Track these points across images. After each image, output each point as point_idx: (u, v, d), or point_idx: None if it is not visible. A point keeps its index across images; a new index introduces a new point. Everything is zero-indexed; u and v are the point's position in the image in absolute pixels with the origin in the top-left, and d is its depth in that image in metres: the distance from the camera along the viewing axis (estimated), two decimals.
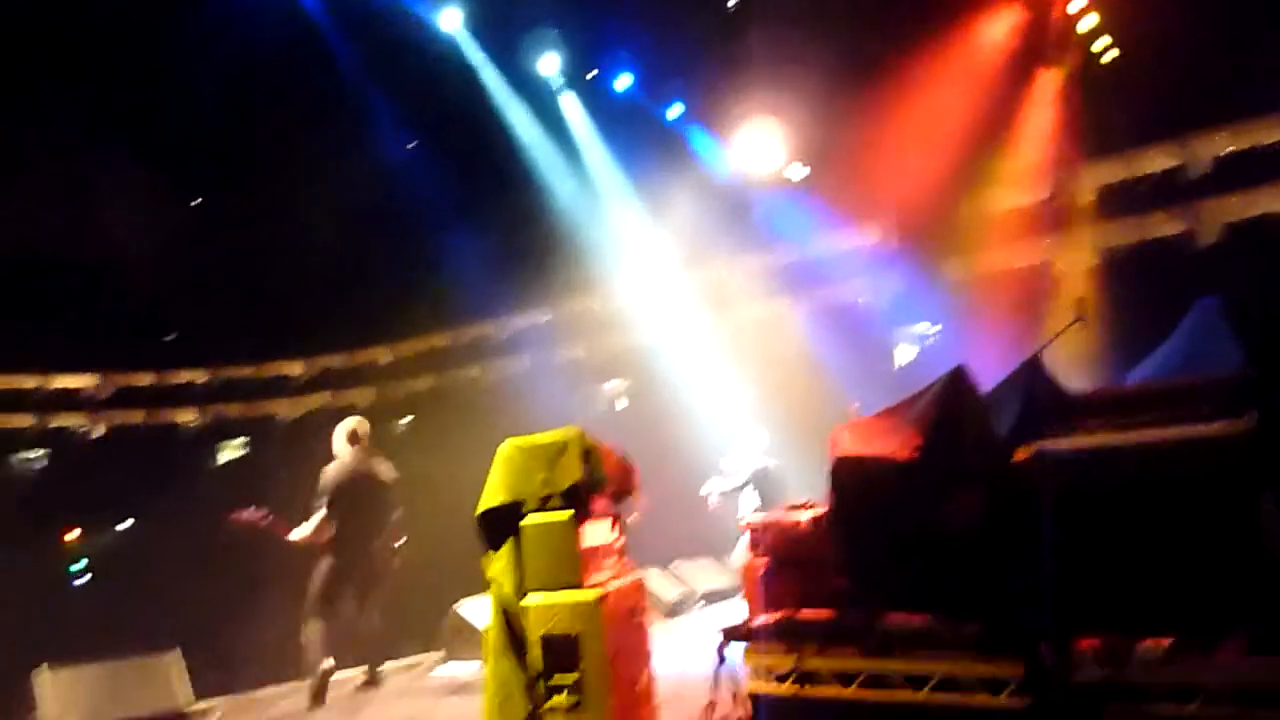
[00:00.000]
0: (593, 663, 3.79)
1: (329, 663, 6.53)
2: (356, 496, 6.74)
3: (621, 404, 13.71)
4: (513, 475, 4.01)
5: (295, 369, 19.54)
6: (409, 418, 13.38)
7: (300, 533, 6.63)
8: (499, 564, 3.94)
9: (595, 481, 4.06)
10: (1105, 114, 11.22)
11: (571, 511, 3.96)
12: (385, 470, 7.01)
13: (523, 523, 3.96)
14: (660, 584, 9.21)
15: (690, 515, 11.26)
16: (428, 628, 8.07)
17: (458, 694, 6.71)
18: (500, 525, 3.98)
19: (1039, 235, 12.15)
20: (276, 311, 16.08)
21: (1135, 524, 3.86)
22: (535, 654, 3.83)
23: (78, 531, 13.43)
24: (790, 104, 11.73)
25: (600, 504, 4.25)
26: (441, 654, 7.77)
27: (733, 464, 9.48)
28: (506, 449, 4.07)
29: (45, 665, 5.63)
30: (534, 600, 3.88)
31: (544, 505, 3.96)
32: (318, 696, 6.48)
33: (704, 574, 10.25)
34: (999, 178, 11.77)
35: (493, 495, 4.00)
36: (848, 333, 11.99)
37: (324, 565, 6.67)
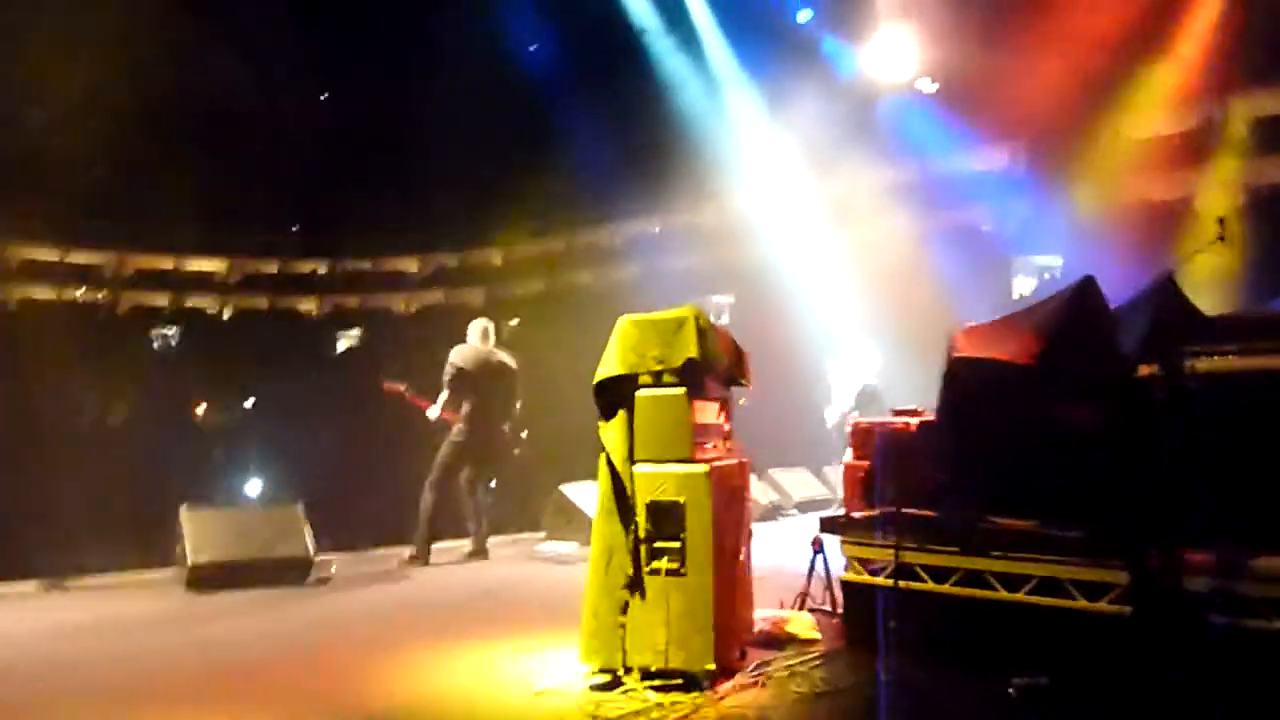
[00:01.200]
0: (696, 531, 3.90)
1: (436, 528, 7.10)
2: (486, 380, 7.28)
3: (726, 317, 13.72)
4: (628, 349, 4.10)
5: (411, 265, 20.15)
6: (516, 320, 13.71)
7: (435, 409, 7.26)
8: (611, 432, 4.06)
9: (709, 361, 4.12)
10: (1269, 37, 10.43)
11: (684, 389, 4.03)
12: (511, 362, 7.54)
13: (637, 394, 4.05)
14: (756, 489, 9.34)
15: (787, 427, 11.37)
16: (532, 512, 8.41)
17: (559, 565, 7.04)
18: (614, 396, 4.08)
19: (1182, 168, 11.50)
20: (396, 209, 16.59)
21: (1256, 445, 3.76)
22: (641, 519, 3.96)
23: (206, 406, 14.32)
24: (925, 11, 11.31)
25: (712, 384, 4.32)
26: (543, 534, 8.09)
27: (842, 379, 9.57)
28: (624, 323, 4.16)
29: (184, 505, 6.12)
30: (643, 469, 4.00)
31: (658, 380, 4.05)
32: (419, 557, 7.01)
33: (800, 483, 10.37)
34: (1143, 102, 11.14)
35: (609, 366, 4.10)
36: (968, 258, 11.68)
37: (452, 441, 7.23)
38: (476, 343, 7.42)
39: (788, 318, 12.00)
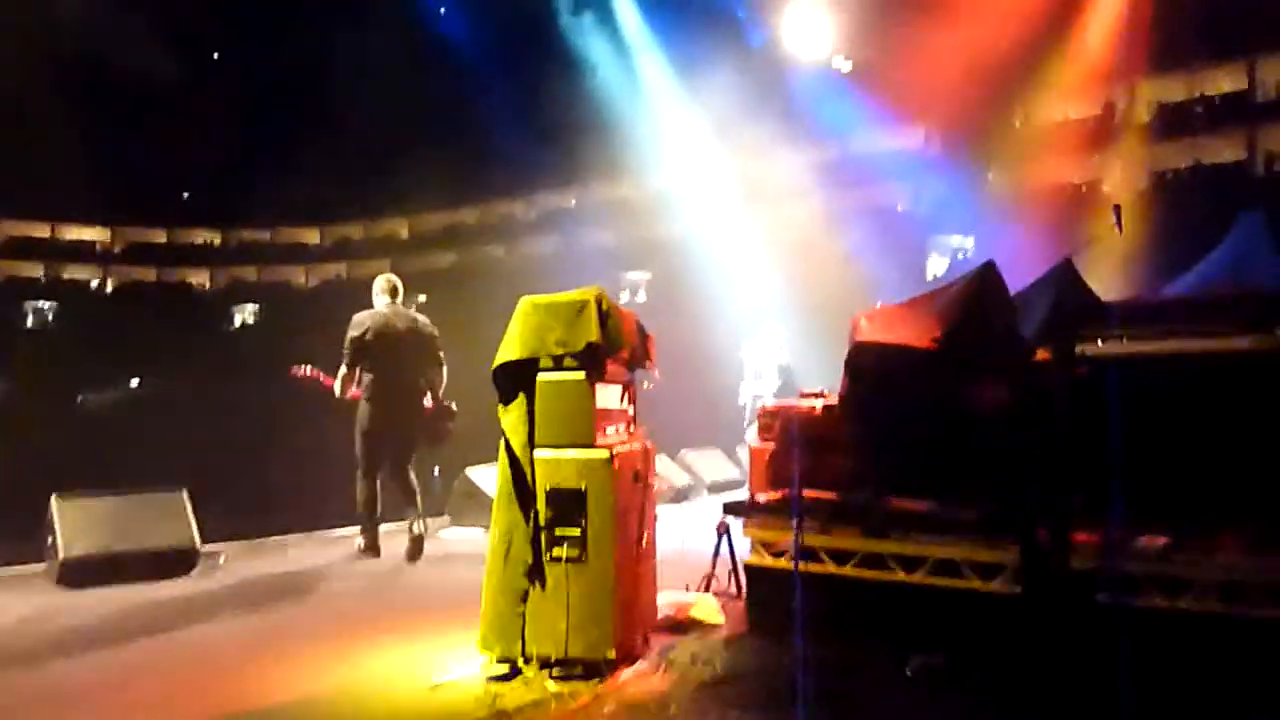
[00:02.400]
0: (598, 518, 3.92)
1: (376, 515, 6.74)
2: (394, 346, 6.76)
3: (641, 295, 13.80)
4: (529, 331, 4.08)
5: (312, 236, 19.64)
6: (423, 297, 13.52)
7: (340, 384, 6.71)
8: (511, 417, 4.05)
9: (611, 344, 4.13)
10: (1173, 26, 10.88)
11: (585, 373, 4.04)
12: (425, 323, 7.02)
13: (538, 378, 4.05)
14: (667, 470, 9.43)
15: (700, 407, 11.52)
16: (438, 496, 8.33)
17: (465, 551, 6.99)
18: (515, 380, 4.07)
19: (1089, 151, 11.95)
20: (296, 178, 16.05)
21: (1147, 427, 3.95)
22: (542, 505, 3.97)
23: (88, 385, 13.77)
24: None
25: (615, 368, 4.33)
26: (446, 519, 8.02)
27: (755, 359, 9.68)
28: (524, 305, 4.14)
29: (56, 494, 5.85)
30: (543, 454, 4.01)
31: (559, 364, 4.05)
32: (371, 548, 6.75)
33: (711, 464, 10.51)
34: (1051, 86, 11.53)
35: (509, 350, 4.08)
36: (883, 238, 11.99)
37: (359, 424, 6.77)
38: (381, 304, 6.88)
39: (704, 294, 12.13)
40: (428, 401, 6.83)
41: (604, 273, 12.77)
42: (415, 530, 6.73)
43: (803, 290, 11.08)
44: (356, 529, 7.19)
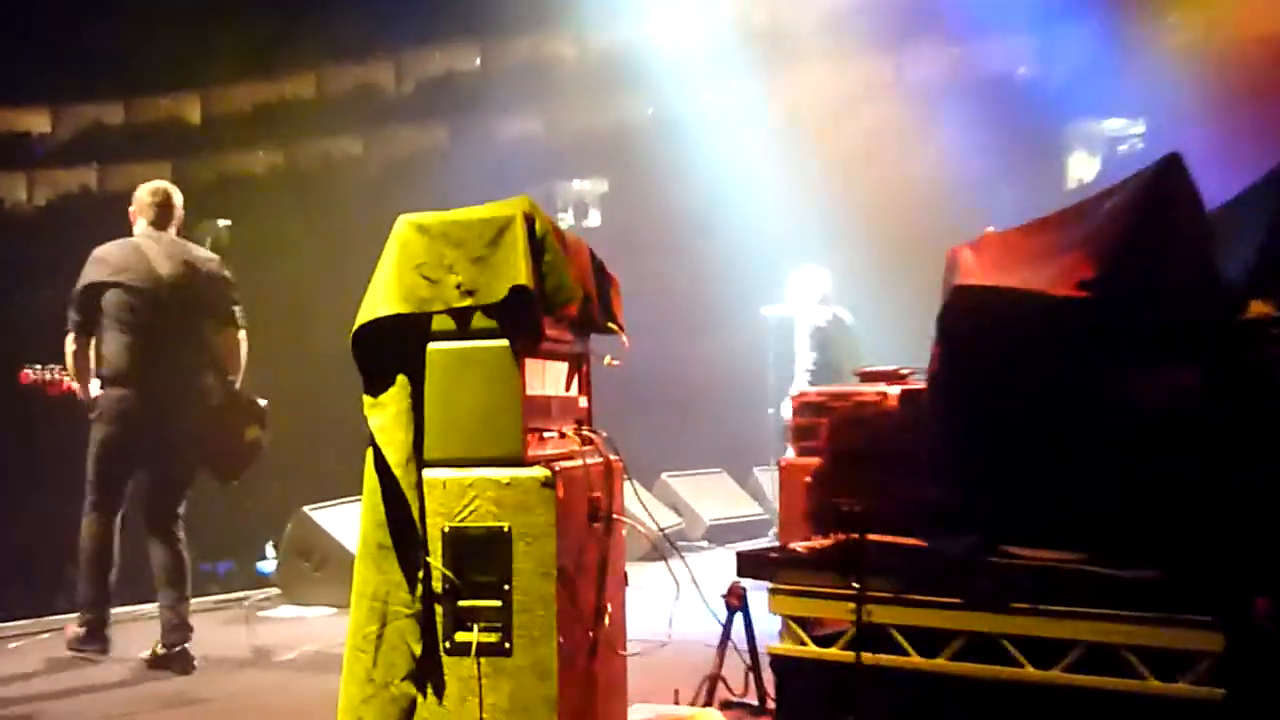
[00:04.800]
0: (530, 579, 3.94)
1: (109, 579, 6.74)
2: (155, 303, 6.77)
3: (594, 217, 13.81)
4: (413, 272, 4.08)
5: (40, 122, 19.49)
6: (226, 221, 13.39)
7: (93, 383, 6.74)
8: (385, 414, 4.04)
9: (552, 291, 4.14)
10: None
11: (507, 342, 4.06)
12: (210, 262, 7.06)
13: (429, 348, 4.07)
14: (641, 507, 9.46)
15: (695, 404, 11.58)
16: (257, 544, 8.34)
17: (299, 645, 6.98)
18: (389, 352, 4.08)
19: None
20: (15, 30, 15.92)
21: None
22: (437, 559, 3.99)
23: None
24: None
25: (556, 332, 4.36)
26: (275, 590, 8.04)
27: (787, 323, 9.91)
28: (404, 230, 4.14)
29: None
30: (439, 474, 4.03)
31: (464, 324, 4.06)
32: (92, 636, 6.74)
33: (714, 495, 10.71)
34: None
35: (379, 302, 4.07)
36: (995, 123, 12.03)
37: (96, 427, 6.78)
38: (142, 232, 6.95)
39: (695, 221, 12.13)
40: (216, 397, 6.85)
41: (530, 181, 12.73)
42: (178, 618, 6.70)
43: (865, 209, 11.16)
44: (147, 608, 7.18)
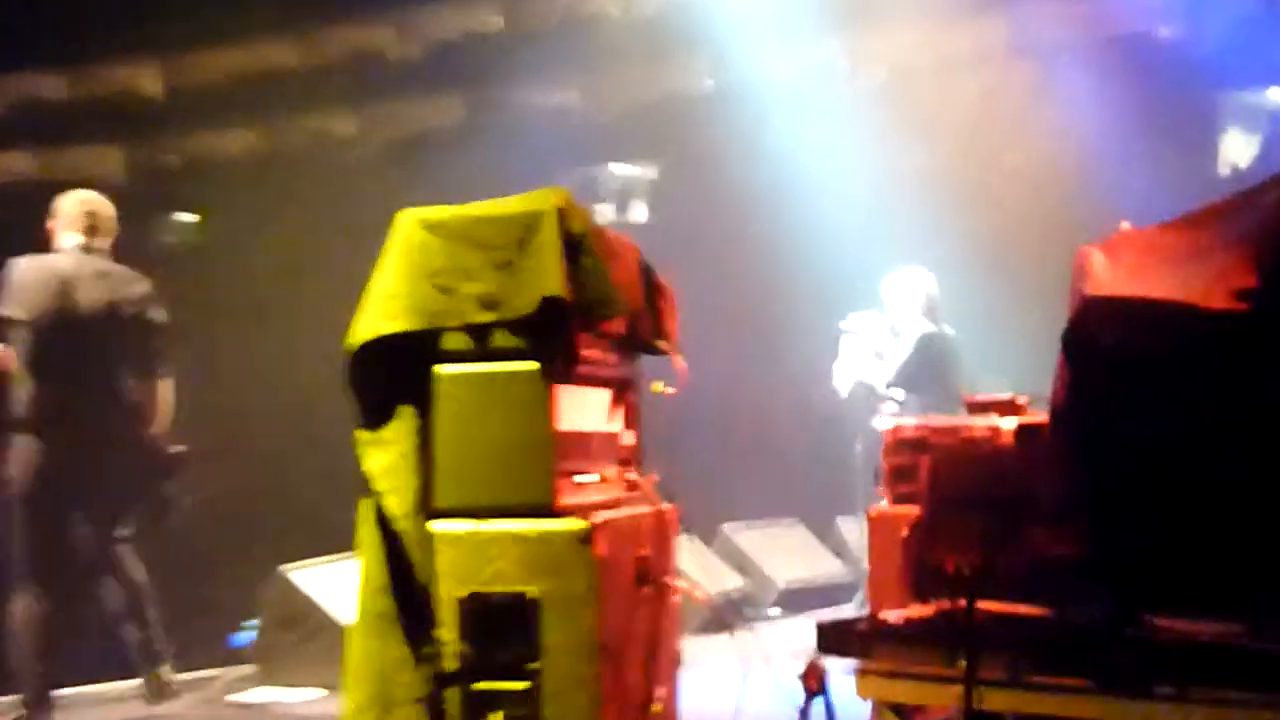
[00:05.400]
0: (563, 658, 3.99)
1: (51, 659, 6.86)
2: (78, 331, 6.92)
3: (640, 211, 13.81)
4: (422, 281, 4.14)
5: None
6: (194, 217, 13.53)
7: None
8: (386, 455, 4.10)
9: (592, 303, 4.19)
10: None
11: (536, 365, 4.10)
12: (141, 292, 7.23)
13: (438, 373, 4.13)
14: (699, 566, 9.50)
15: (766, 442, 11.55)
16: (228, 614, 8.36)
17: None
18: (392, 378, 4.14)
19: None
20: None
21: None
22: (451, 631, 4.03)
23: None
24: None
25: (597, 353, 4.42)
26: (252, 668, 8.07)
27: (870, 327, 9.86)
28: (409, 228, 4.20)
29: None
30: (452, 528, 4.08)
31: (484, 342, 4.11)
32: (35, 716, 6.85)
33: (788, 551, 10.73)
34: None
35: (380, 316, 4.13)
36: (1131, 97, 12.00)
37: (19, 469, 6.90)
38: (65, 246, 7.08)
39: (764, 216, 12.15)
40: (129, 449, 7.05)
41: (565, 167, 12.73)
42: (161, 677, 7.04)
43: (970, 201, 11.14)
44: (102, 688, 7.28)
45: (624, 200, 13.84)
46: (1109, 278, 4.70)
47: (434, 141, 14.70)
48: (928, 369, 9.70)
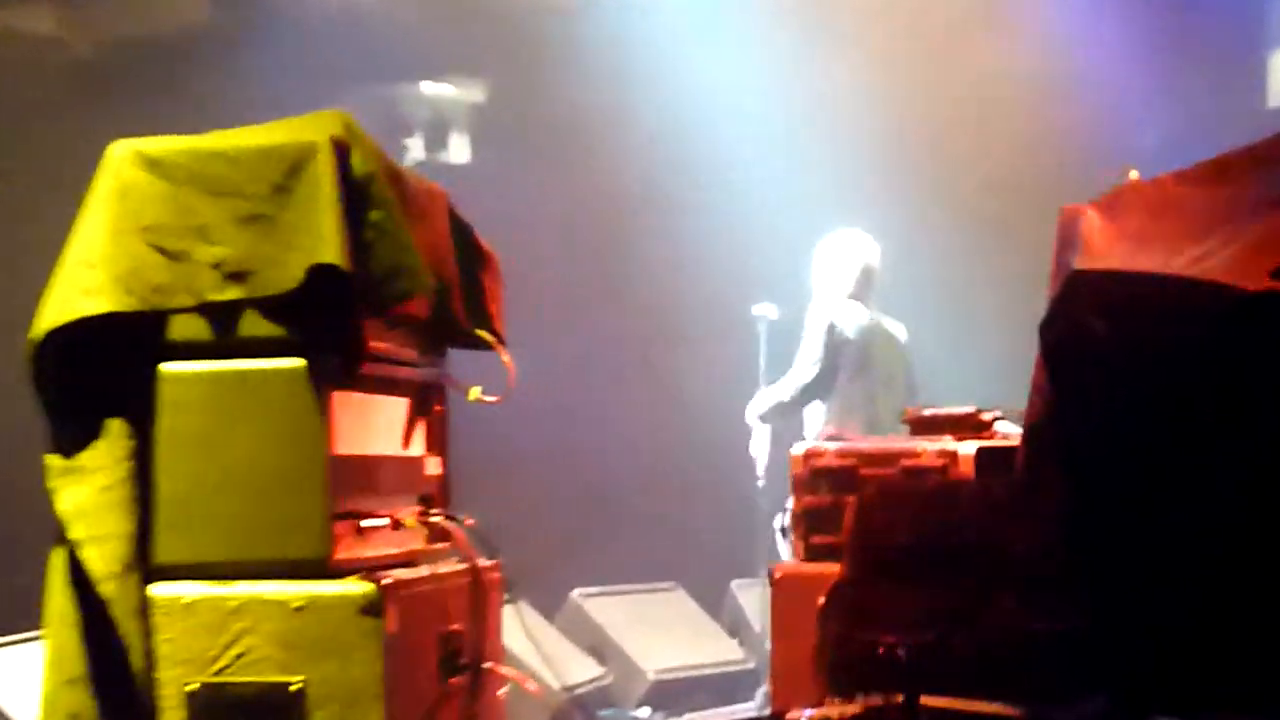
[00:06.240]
0: None
1: None
2: None
3: (459, 149, 13.75)
4: (137, 241, 4.07)
5: None
6: None
7: None
8: (84, 489, 4.00)
9: (385, 274, 4.11)
10: None
11: (302, 361, 4.02)
12: None
13: (162, 371, 4.07)
14: (536, 648, 9.43)
15: (631, 475, 11.53)
16: None
17: None
18: (95, 379, 4.07)
19: None
20: None
21: None
22: None
23: None
24: None
25: (393, 342, 4.42)
26: None
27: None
28: (124, 167, 4.13)
29: None
30: (181, 592, 4.01)
31: (228, 329, 4.05)
32: None
33: (662, 629, 10.68)
34: None
35: (78, 292, 4.03)
36: (1148, 10, 12.17)
37: None
38: None
39: (642, 164, 12.19)
40: None
41: (350, 84, 12.59)
42: None
43: (932, 153, 11.24)
44: None
45: (437, 133, 13.73)
46: (1106, 246, 4.67)
47: (165, 48, 14.57)
48: (847, 371, 9.77)
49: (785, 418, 10.00)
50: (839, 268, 10.01)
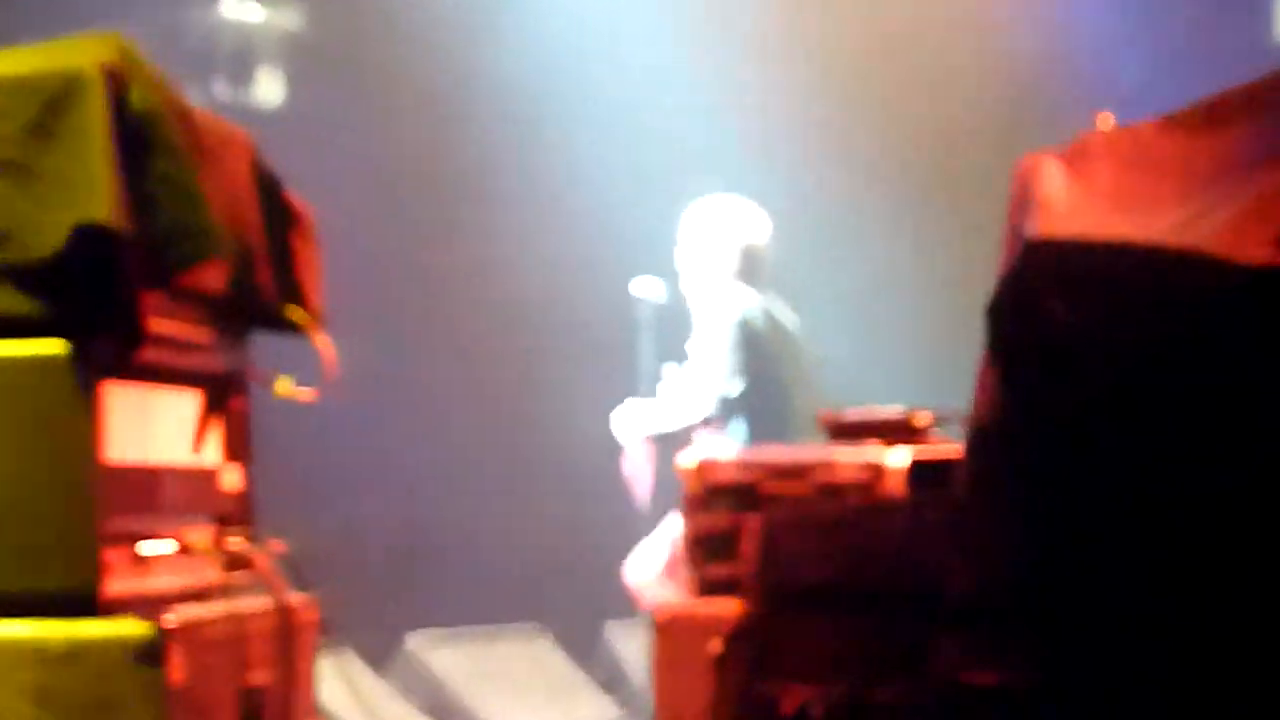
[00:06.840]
0: None
1: None
2: None
3: (271, 87, 13.71)
4: None
5: None
6: None
7: None
8: None
9: (170, 235, 4.09)
10: None
11: (65, 344, 3.99)
12: None
13: None
14: (361, 706, 9.46)
15: (481, 488, 11.53)
16: None
17: None
18: None
19: None
20: None
21: None
22: None
23: None
24: None
25: (181, 321, 4.40)
26: None
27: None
28: None
29: None
30: None
31: None
32: None
33: (518, 683, 10.75)
34: None
35: None
36: None
37: None
38: None
39: (492, 107, 12.22)
40: None
41: (137, 6, 12.55)
42: None
43: (857, 92, 11.31)
44: None
45: (241, 67, 13.66)
46: (1071, 208, 4.68)
47: None
48: (749, 372, 9.74)
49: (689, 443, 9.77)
50: (714, 242, 9.95)
